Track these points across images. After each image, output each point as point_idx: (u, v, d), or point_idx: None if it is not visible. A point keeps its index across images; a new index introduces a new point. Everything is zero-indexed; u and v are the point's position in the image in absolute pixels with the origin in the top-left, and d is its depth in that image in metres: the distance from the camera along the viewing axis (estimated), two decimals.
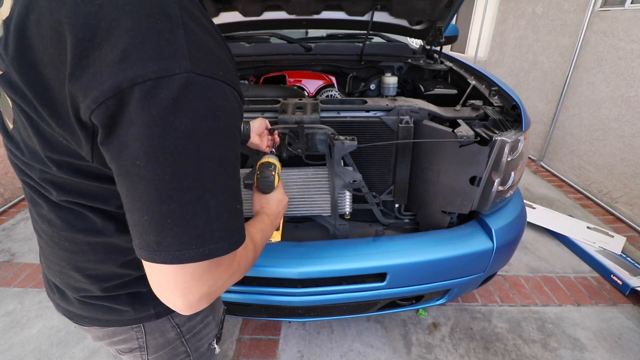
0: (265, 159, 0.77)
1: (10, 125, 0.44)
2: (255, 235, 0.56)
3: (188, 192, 0.36)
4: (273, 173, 0.71)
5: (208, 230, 0.38)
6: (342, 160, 1.12)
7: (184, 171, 0.35)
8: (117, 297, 0.55)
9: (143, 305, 0.56)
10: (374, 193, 1.30)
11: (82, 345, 1.58)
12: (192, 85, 0.34)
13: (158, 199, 0.35)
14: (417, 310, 1.74)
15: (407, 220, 1.41)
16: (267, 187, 0.70)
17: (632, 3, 2.48)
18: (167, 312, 0.59)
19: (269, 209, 0.67)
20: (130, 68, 0.32)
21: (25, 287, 1.92)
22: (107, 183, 0.43)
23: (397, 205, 1.38)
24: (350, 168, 1.15)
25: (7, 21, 0.37)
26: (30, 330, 1.66)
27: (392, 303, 1.32)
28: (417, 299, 1.33)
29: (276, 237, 0.79)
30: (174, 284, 0.39)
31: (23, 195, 2.89)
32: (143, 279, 0.52)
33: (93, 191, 0.45)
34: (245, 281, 1.14)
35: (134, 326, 0.58)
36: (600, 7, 2.73)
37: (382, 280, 1.13)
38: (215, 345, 0.71)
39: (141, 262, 0.44)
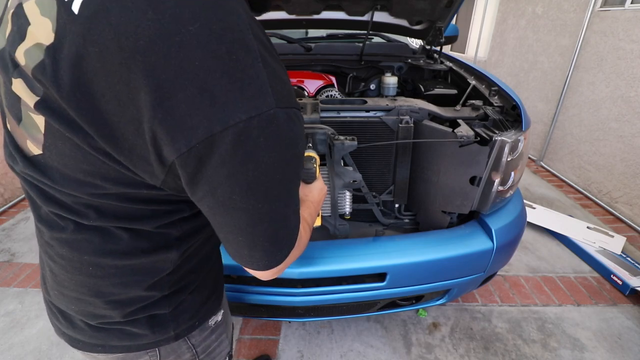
0: (306, 153, 0.83)
1: (37, 151, 0.41)
2: (307, 218, 0.61)
3: (276, 213, 0.42)
4: (315, 165, 0.79)
5: (288, 238, 0.45)
6: (342, 160, 1.12)
7: (274, 197, 0.40)
8: (136, 321, 0.52)
9: (163, 328, 0.54)
10: (374, 193, 1.30)
11: None
12: (277, 119, 0.36)
13: (252, 223, 0.40)
14: (417, 310, 1.74)
15: (407, 220, 1.41)
16: (310, 178, 0.78)
17: (632, 3, 2.48)
18: (185, 332, 0.57)
19: (313, 196, 0.71)
20: (221, 111, 0.32)
21: (25, 287, 1.92)
22: (156, 205, 0.44)
23: (397, 205, 1.38)
24: (350, 168, 1.15)
25: (52, 48, 0.34)
26: (30, 330, 1.66)
27: (392, 303, 1.32)
28: (417, 299, 1.33)
29: (317, 222, 0.88)
30: (263, 274, 0.48)
31: (23, 195, 2.89)
32: (165, 299, 0.53)
33: (135, 214, 0.44)
34: (245, 281, 1.14)
35: (149, 350, 0.56)
36: (600, 7, 2.73)
37: (382, 280, 1.12)
38: None
39: (165, 282, 0.52)
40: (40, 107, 0.36)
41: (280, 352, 1.54)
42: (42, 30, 0.34)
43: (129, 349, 0.54)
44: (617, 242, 2.17)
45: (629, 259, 2.03)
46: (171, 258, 0.50)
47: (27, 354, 1.55)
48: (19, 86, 0.38)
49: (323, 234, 1.28)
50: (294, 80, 1.76)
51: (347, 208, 1.21)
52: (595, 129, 2.81)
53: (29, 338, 1.62)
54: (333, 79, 1.81)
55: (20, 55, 0.36)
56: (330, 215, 1.19)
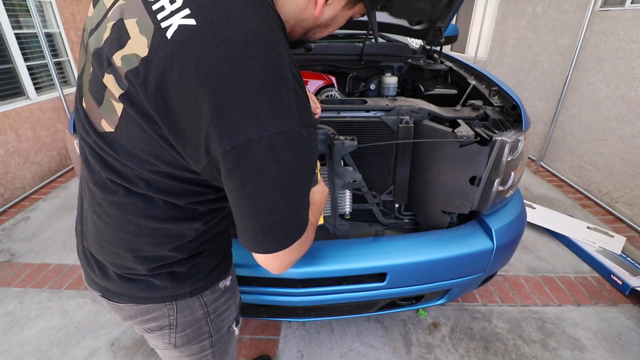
0: None
1: (109, 129, 0.52)
2: (312, 219, 0.69)
3: (289, 207, 0.52)
4: (317, 171, 0.82)
5: (295, 228, 0.55)
6: (342, 160, 1.12)
7: (289, 193, 0.50)
8: (159, 275, 0.62)
9: (180, 283, 0.64)
10: (374, 193, 1.30)
11: (82, 345, 1.58)
12: (299, 135, 0.47)
13: (269, 212, 0.50)
14: (417, 310, 1.74)
15: (407, 220, 1.41)
16: (312, 182, 0.81)
17: (632, 3, 2.48)
18: (199, 290, 0.67)
19: (315, 199, 0.78)
20: (261, 125, 0.44)
21: (25, 287, 1.93)
22: (191, 185, 0.55)
23: (397, 205, 1.38)
24: (350, 168, 1.15)
25: (145, 60, 0.45)
26: (30, 330, 1.66)
27: (392, 303, 1.32)
28: (417, 299, 1.33)
29: (320, 220, 0.95)
30: (273, 262, 0.57)
31: (23, 195, 2.89)
32: (184, 261, 0.64)
33: (174, 189, 0.55)
34: (246, 281, 1.14)
35: (167, 304, 0.65)
36: (600, 7, 2.73)
37: (382, 280, 1.12)
38: (235, 328, 0.81)
39: (187, 247, 0.62)
40: (123, 98, 0.48)
41: (280, 352, 1.54)
42: (139, 45, 0.46)
43: (150, 300, 0.64)
44: (617, 242, 2.17)
45: (629, 259, 2.03)
46: (195, 227, 0.61)
47: (27, 354, 1.55)
48: (109, 80, 0.49)
49: (323, 234, 1.28)
50: None
51: (347, 208, 1.21)
52: (595, 129, 2.81)
53: (29, 338, 1.62)
54: (333, 79, 1.81)
55: (117, 58, 0.48)
56: (330, 215, 1.19)
